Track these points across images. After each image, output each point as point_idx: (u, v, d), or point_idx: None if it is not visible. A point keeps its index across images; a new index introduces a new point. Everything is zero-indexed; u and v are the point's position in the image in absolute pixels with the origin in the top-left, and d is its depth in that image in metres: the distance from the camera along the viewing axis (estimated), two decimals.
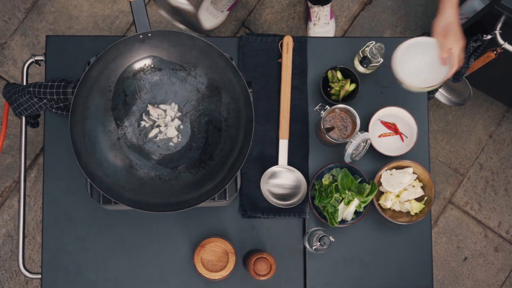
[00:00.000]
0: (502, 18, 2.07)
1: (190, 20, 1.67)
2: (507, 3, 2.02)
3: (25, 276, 1.88)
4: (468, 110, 2.84)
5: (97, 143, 1.75)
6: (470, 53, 2.07)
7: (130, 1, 1.65)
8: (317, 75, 1.96)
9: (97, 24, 2.78)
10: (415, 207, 1.88)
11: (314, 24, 2.72)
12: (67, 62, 1.92)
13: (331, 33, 2.76)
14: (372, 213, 1.91)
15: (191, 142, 1.82)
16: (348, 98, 1.92)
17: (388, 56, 1.88)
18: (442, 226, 2.78)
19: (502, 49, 2.09)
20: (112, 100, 1.77)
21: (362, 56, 1.89)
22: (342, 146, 1.88)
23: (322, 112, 1.83)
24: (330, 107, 1.83)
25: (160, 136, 1.81)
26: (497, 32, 2.08)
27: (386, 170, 1.88)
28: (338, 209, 1.83)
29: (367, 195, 1.82)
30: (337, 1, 2.85)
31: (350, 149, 1.82)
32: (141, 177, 1.77)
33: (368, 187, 1.83)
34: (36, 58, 1.94)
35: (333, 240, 1.75)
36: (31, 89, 1.84)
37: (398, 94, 1.94)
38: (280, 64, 1.95)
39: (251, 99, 1.72)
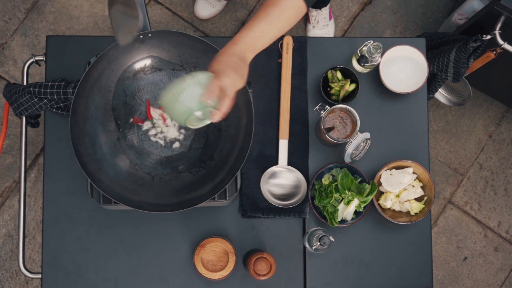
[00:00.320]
0: (502, 18, 2.07)
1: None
2: (507, 3, 2.02)
3: (25, 276, 1.88)
4: (468, 110, 2.85)
5: (97, 143, 1.75)
6: (470, 53, 2.07)
7: None
8: (317, 75, 1.96)
9: (97, 24, 2.78)
10: (415, 207, 1.88)
11: (313, 27, 2.72)
12: (67, 62, 1.92)
13: (330, 34, 2.76)
14: (372, 213, 1.91)
15: (191, 142, 1.82)
16: (348, 98, 1.92)
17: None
18: (442, 226, 2.78)
19: (502, 49, 2.09)
20: (112, 100, 1.77)
21: (360, 55, 1.89)
22: (342, 146, 1.88)
23: (322, 112, 1.83)
24: (330, 107, 1.83)
25: (161, 136, 1.81)
26: (497, 32, 2.08)
27: (386, 170, 1.88)
28: (338, 209, 1.83)
29: (367, 195, 1.82)
30: (337, 2, 2.85)
31: (350, 149, 1.82)
32: (141, 177, 1.78)
33: (368, 187, 1.83)
34: (37, 58, 1.94)
35: (333, 240, 1.76)
36: (32, 89, 1.84)
37: (398, 94, 1.95)
38: (280, 64, 1.95)
39: (251, 99, 1.72)
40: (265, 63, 1.95)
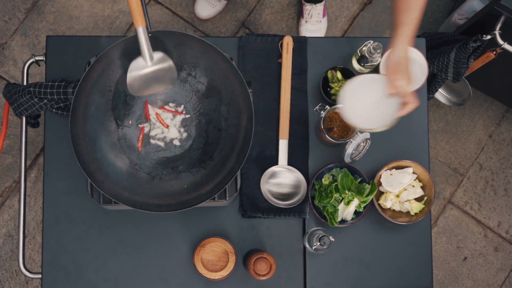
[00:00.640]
0: (502, 18, 2.07)
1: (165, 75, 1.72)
2: (507, 3, 2.02)
3: (25, 276, 1.88)
4: (468, 110, 2.85)
5: (97, 143, 1.75)
6: (469, 53, 2.07)
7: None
8: (317, 75, 1.96)
9: (97, 24, 2.78)
10: (415, 207, 1.88)
11: (306, 21, 2.72)
12: (67, 62, 1.92)
13: (322, 31, 2.76)
14: (372, 213, 1.91)
15: (191, 142, 1.82)
16: None
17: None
18: (442, 226, 2.78)
19: (502, 49, 2.10)
20: (112, 100, 1.77)
21: (360, 55, 1.90)
22: (342, 146, 1.88)
23: (322, 112, 1.83)
24: (330, 107, 1.83)
25: (161, 137, 1.81)
26: (497, 32, 2.08)
27: (386, 170, 1.88)
28: (338, 209, 1.83)
29: (367, 195, 1.82)
30: (337, 2, 2.85)
31: (350, 149, 1.82)
32: (141, 177, 1.77)
33: (368, 187, 1.83)
34: (37, 58, 1.94)
35: (333, 240, 1.76)
36: (32, 89, 1.84)
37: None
38: (280, 64, 1.95)
39: (251, 99, 1.72)
40: (265, 63, 1.95)
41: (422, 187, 1.90)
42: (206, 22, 2.81)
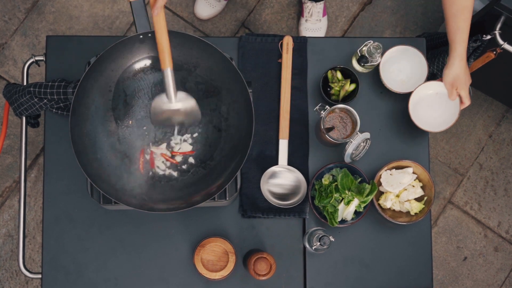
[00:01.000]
0: (502, 18, 2.07)
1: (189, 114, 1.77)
2: (507, 3, 2.02)
3: (26, 276, 1.88)
4: (468, 110, 2.85)
5: (97, 143, 1.75)
6: (469, 53, 2.07)
7: (130, 2, 1.66)
8: (317, 75, 1.96)
9: (97, 24, 2.78)
10: (415, 207, 1.88)
11: (306, 20, 2.72)
12: (67, 62, 1.92)
13: (322, 30, 2.76)
14: (372, 213, 1.91)
15: (192, 143, 1.82)
16: (348, 98, 1.92)
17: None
18: (442, 226, 2.78)
19: (502, 49, 2.09)
20: (112, 100, 1.77)
21: (360, 55, 1.90)
22: (342, 146, 1.88)
23: (322, 112, 1.83)
24: (330, 107, 1.83)
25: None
26: (497, 32, 2.08)
27: (386, 170, 1.88)
28: (338, 209, 1.83)
29: (367, 195, 1.82)
30: (337, 2, 2.85)
31: (350, 149, 1.82)
32: (141, 177, 1.77)
33: (368, 187, 1.83)
34: (37, 58, 1.94)
35: (333, 240, 1.76)
36: (32, 89, 1.84)
37: (398, 94, 1.95)
38: (280, 64, 1.95)
39: (251, 99, 1.72)
40: (265, 63, 1.95)
41: (422, 187, 1.90)
42: (206, 22, 2.81)
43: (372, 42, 1.87)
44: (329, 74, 1.92)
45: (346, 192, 1.82)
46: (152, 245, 1.88)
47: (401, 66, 1.95)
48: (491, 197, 2.81)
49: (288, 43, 1.93)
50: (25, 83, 1.94)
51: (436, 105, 1.91)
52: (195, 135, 1.81)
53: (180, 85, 1.81)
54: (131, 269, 1.87)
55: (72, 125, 1.68)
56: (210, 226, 1.89)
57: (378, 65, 1.92)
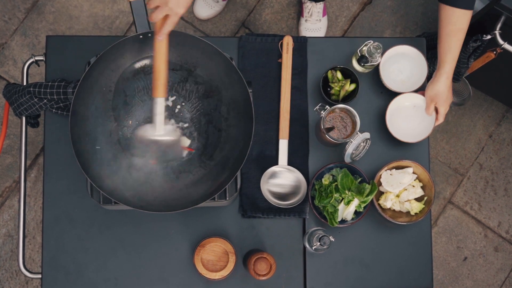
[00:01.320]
0: (502, 18, 2.07)
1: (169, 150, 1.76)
2: (507, 3, 2.02)
3: (25, 276, 1.88)
4: (468, 110, 2.85)
5: (97, 143, 1.75)
6: (470, 53, 2.07)
7: (130, 1, 1.66)
8: (317, 75, 1.96)
9: (97, 24, 2.78)
10: (415, 207, 1.88)
11: (306, 20, 2.72)
12: (67, 62, 1.92)
13: (322, 30, 2.76)
14: (372, 213, 1.91)
15: (192, 143, 1.82)
16: (348, 98, 1.92)
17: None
18: (442, 226, 2.78)
19: (502, 49, 2.09)
20: (112, 100, 1.77)
21: (360, 55, 1.90)
22: (342, 146, 1.88)
23: (322, 112, 1.83)
24: (330, 107, 1.83)
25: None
26: (497, 32, 2.08)
27: (386, 170, 1.88)
28: (338, 209, 1.83)
29: (367, 195, 1.82)
30: (337, 2, 2.85)
31: (350, 149, 1.82)
32: (141, 177, 1.77)
33: (368, 187, 1.83)
34: (36, 58, 1.94)
35: (333, 240, 1.76)
36: (31, 89, 1.84)
37: (398, 94, 1.94)
38: (280, 64, 1.95)
39: (251, 99, 1.72)
40: (265, 63, 1.95)
41: (422, 187, 1.90)
42: (206, 22, 2.81)
43: (372, 42, 1.87)
44: (329, 74, 1.92)
45: (346, 192, 1.82)
46: (152, 245, 1.88)
47: (401, 66, 1.95)
48: (491, 197, 2.81)
49: (288, 43, 1.93)
50: (25, 83, 1.94)
51: (411, 118, 1.93)
52: (186, 125, 1.81)
53: (180, 85, 1.81)
54: (131, 269, 1.87)
55: (72, 125, 1.68)
56: (210, 226, 1.89)
57: (378, 65, 1.92)
